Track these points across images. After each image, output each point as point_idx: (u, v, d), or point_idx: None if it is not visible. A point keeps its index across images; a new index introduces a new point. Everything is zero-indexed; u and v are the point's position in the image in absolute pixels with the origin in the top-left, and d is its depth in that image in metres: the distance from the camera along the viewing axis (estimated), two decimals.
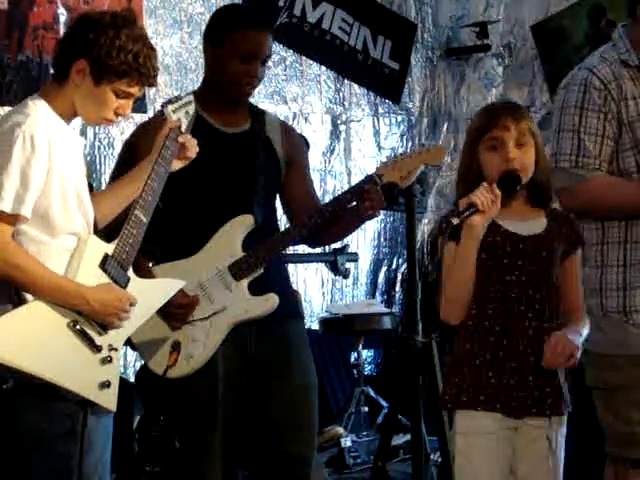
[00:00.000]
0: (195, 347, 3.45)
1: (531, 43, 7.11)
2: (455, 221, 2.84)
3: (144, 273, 3.37)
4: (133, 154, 3.41)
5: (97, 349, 2.83)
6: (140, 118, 4.15)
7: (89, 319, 2.82)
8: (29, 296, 2.78)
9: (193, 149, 3.16)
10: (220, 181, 3.55)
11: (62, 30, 5.08)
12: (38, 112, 2.85)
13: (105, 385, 2.84)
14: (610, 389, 3.28)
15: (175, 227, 3.58)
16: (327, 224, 3.54)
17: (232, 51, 3.50)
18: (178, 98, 3.17)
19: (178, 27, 5.84)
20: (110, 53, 2.85)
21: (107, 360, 2.85)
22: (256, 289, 3.51)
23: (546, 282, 2.95)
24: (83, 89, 2.88)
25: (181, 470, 3.54)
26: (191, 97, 3.23)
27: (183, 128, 3.13)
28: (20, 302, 2.78)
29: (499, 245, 2.96)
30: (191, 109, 3.18)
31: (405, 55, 6.96)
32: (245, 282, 3.50)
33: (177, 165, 3.14)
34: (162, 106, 3.16)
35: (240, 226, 3.53)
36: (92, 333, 2.83)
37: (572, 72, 3.42)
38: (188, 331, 3.47)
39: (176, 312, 3.44)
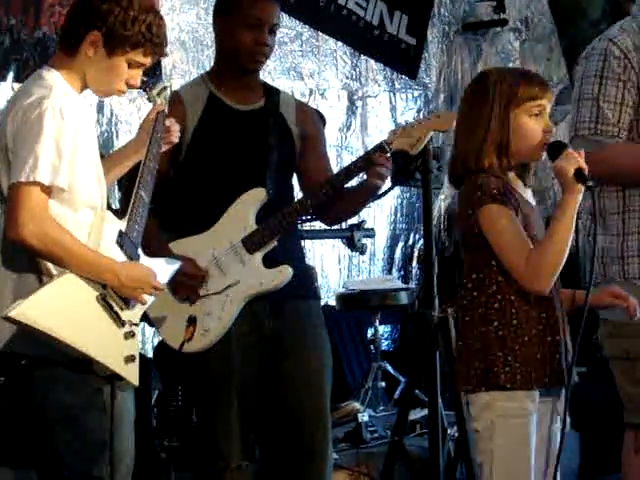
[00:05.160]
0: (211, 320, 3.47)
1: (548, 17, 7.07)
2: (592, 184, 2.80)
3: (163, 249, 3.40)
4: None
5: (122, 323, 2.85)
6: None
7: (114, 294, 2.83)
8: (50, 266, 2.78)
9: (176, 134, 3.19)
10: (233, 157, 3.57)
11: None
12: (58, 84, 2.85)
13: (130, 359, 2.85)
14: (631, 358, 3.27)
15: (189, 203, 3.60)
16: (339, 196, 3.54)
17: (240, 20, 3.52)
18: (156, 83, 3.21)
19: (194, 3, 5.83)
20: (125, 24, 2.85)
21: (130, 335, 2.86)
22: (271, 264, 3.52)
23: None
24: (96, 61, 2.88)
25: (199, 445, 3.56)
26: (167, 82, 3.27)
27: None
28: (40, 272, 2.79)
29: (530, 216, 2.96)
30: (168, 94, 3.21)
31: (422, 30, 6.91)
32: (259, 255, 3.51)
33: (162, 149, 3.15)
34: (145, 91, 3.19)
35: (252, 199, 3.53)
36: (117, 308, 2.84)
37: (592, 43, 3.42)
38: (203, 305, 3.49)
39: (183, 280, 3.43)
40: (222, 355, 3.49)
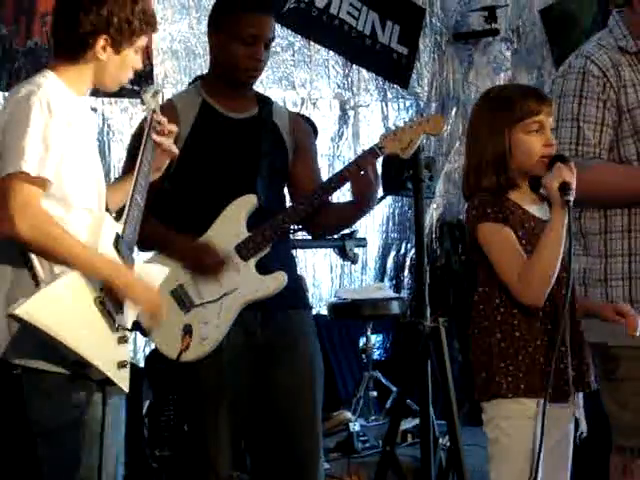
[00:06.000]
0: (207, 328, 3.46)
1: (540, 27, 7.09)
2: (571, 199, 2.81)
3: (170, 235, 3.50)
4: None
5: (116, 328, 2.83)
6: None
7: (110, 296, 2.82)
8: (45, 267, 2.74)
9: (172, 135, 3.16)
10: (224, 164, 3.57)
11: None
12: (50, 82, 2.84)
13: (122, 365, 2.83)
14: (616, 380, 3.27)
15: (180, 211, 3.59)
16: (328, 206, 3.55)
17: (235, 35, 3.52)
18: (148, 86, 3.21)
19: (186, 12, 5.84)
20: (128, 20, 2.87)
21: (123, 339, 2.85)
22: (264, 272, 3.52)
23: (565, 263, 2.93)
24: (107, 61, 2.89)
25: (190, 454, 3.56)
26: (158, 87, 3.25)
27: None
28: (32, 268, 2.75)
29: (534, 231, 2.95)
30: (159, 97, 3.20)
31: (413, 40, 6.94)
32: (253, 262, 3.51)
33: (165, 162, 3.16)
34: (139, 93, 3.19)
35: (243, 206, 3.53)
36: (112, 311, 2.83)
37: (568, 60, 3.38)
38: (199, 314, 3.49)
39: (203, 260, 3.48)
40: (213, 365, 3.48)
